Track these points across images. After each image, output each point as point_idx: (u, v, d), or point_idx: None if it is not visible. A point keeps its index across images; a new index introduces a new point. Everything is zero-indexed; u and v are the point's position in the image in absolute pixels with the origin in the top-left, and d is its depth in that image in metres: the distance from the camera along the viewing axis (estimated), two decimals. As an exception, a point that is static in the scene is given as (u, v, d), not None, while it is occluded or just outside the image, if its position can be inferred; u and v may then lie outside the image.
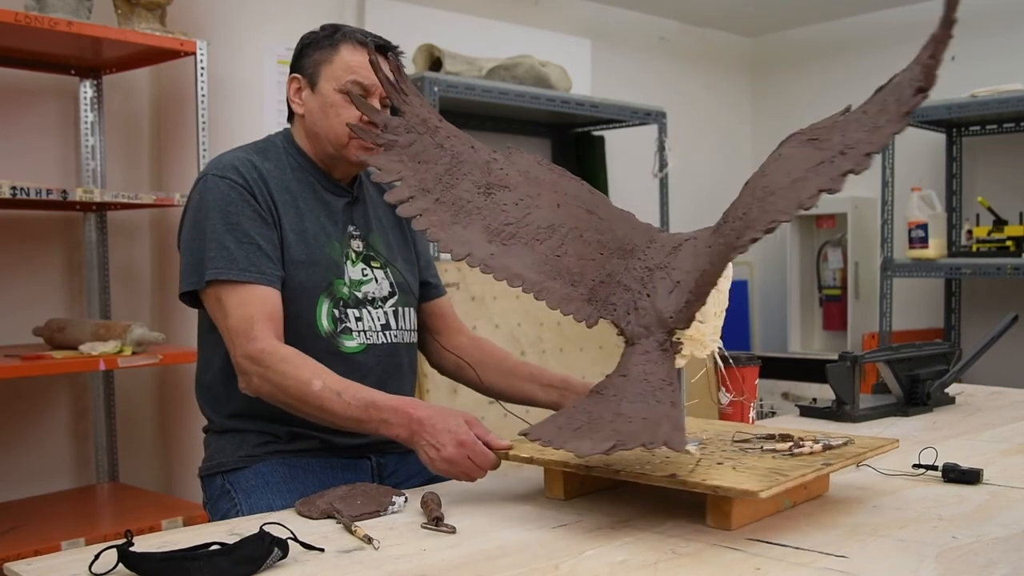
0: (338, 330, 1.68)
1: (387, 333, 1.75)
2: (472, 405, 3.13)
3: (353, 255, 1.74)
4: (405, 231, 1.89)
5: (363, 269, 1.75)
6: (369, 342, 1.71)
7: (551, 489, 1.41)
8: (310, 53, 1.74)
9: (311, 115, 1.73)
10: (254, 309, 1.58)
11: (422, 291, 1.89)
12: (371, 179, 1.78)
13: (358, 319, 1.71)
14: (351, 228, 1.76)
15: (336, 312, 1.69)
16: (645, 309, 1.39)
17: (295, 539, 1.14)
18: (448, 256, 3.45)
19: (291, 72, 1.77)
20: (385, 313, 1.75)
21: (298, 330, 1.64)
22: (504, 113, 4.18)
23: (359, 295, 1.72)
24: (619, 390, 1.32)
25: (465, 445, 1.40)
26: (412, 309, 1.82)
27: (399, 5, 3.99)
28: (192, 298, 1.67)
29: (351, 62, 1.70)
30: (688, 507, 1.34)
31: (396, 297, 1.78)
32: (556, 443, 1.26)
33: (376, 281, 1.75)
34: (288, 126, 1.81)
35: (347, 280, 1.71)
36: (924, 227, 4.23)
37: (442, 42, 3.75)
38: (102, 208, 3.13)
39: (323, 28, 1.76)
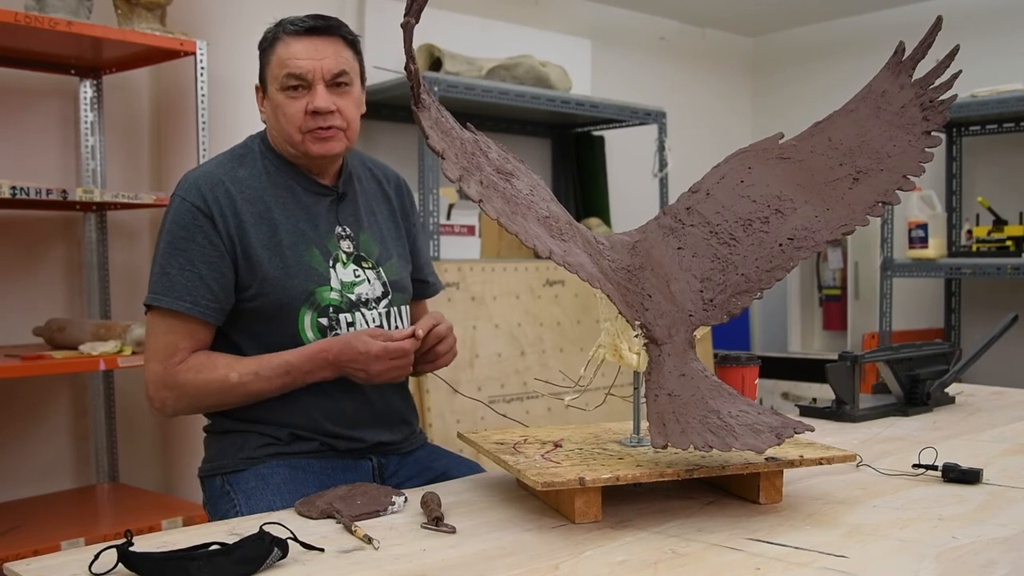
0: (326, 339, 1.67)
1: None
2: (471, 406, 3.14)
3: (344, 256, 1.72)
4: (400, 225, 1.86)
5: (355, 270, 1.73)
6: None
7: (583, 514, 1.27)
8: (261, 59, 1.72)
9: (269, 121, 1.73)
10: (180, 339, 1.62)
11: (415, 288, 1.88)
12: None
13: (350, 324, 1.69)
14: (339, 229, 1.74)
15: (324, 320, 1.67)
16: (658, 309, 1.39)
17: (295, 539, 1.14)
18: (447, 256, 3.48)
19: None
20: (379, 315, 1.74)
21: (279, 346, 1.65)
22: (504, 113, 4.18)
23: (352, 297, 1.71)
24: (693, 390, 1.31)
25: (381, 356, 1.58)
26: (406, 307, 1.82)
27: (399, 5, 3.98)
28: None
29: (283, 56, 1.67)
30: (688, 507, 1.34)
31: (389, 297, 1.77)
32: (704, 446, 1.20)
33: (369, 282, 1.74)
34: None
35: (335, 284, 1.69)
36: (924, 227, 4.23)
37: (442, 42, 3.75)
38: (102, 208, 3.13)
39: (269, 27, 1.72)
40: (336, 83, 1.68)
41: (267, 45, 1.70)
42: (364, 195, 1.81)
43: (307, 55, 1.66)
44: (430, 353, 1.70)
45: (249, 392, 1.62)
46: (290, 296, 1.65)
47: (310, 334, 1.66)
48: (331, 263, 1.70)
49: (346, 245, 1.73)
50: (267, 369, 1.61)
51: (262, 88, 1.73)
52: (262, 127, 1.80)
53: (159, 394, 1.63)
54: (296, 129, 1.67)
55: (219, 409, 1.69)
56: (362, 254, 1.75)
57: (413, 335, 1.63)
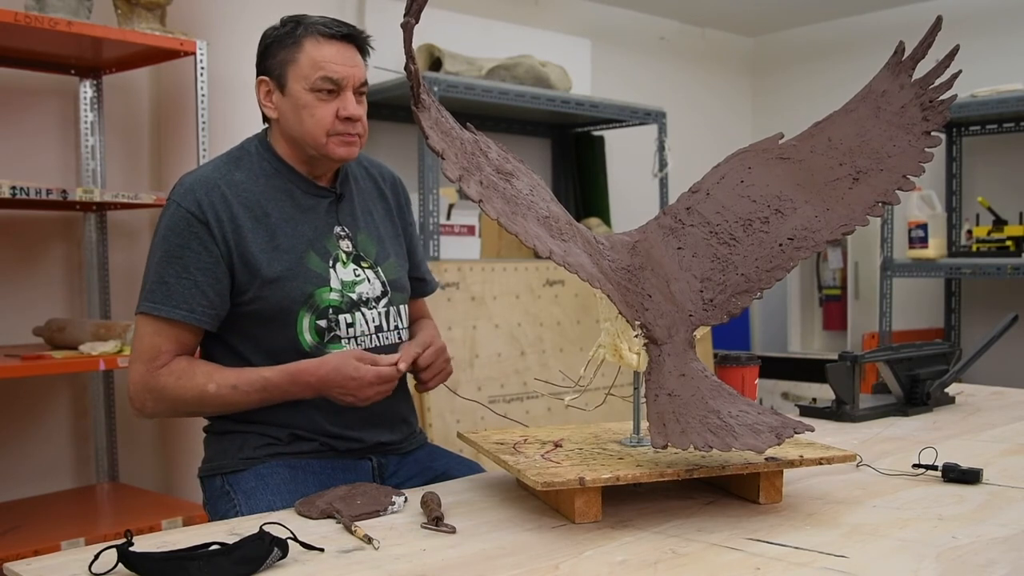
0: (325, 341, 1.67)
1: (380, 335, 1.74)
2: (471, 406, 3.14)
3: (343, 256, 1.72)
4: (396, 224, 1.87)
5: (355, 270, 1.73)
6: (360, 348, 1.70)
7: (583, 514, 1.27)
8: (274, 53, 1.69)
9: (285, 119, 1.70)
10: (164, 341, 1.62)
11: (412, 287, 1.88)
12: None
13: (349, 325, 1.69)
14: (337, 229, 1.74)
15: (322, 323, 1.67)
16: (658, 309, 1.39)
17: (295, 539, 1.14)
18: (447, 256, 3.48)
19: (257, 74, 1.72)
20: (379, 314, 1.74)
21: (277, 348, 1.65)
22: (504, 113, 4.18)
23: (353, 296, 1.71)
24: (693, 390, 1.31)
25: (374, 383, 1.60)
26: (404, 306, 1.82)
27: (399, 5, 3.98)
28: None
29: (317, 57, 1.65)
30: (688, 507, 1.34)
31: (388, 296, 1.77)
32: (704, 446, 1.20)
33: (368, 281, 1.74)
34: (266, 126, 1.77)
35: (336, 284, 1.69)
36: (924, 227, 4.23)
37: (442, 42, 3.75)
38: (102, 208, 3.13)
39: (283, 23, 1.70)
40: (360, 92, 1.70)
41: (291, 41, 1.67)
42: (361, 195, 1.82)
43: (342, 61, 1.67)
44: (417, 376, 1.75)
45: (226, 403, 1.62)
46: (289, 299, 1.65)
47: (308, 336, 1.66)
48: (331, 263, 1.70)
49: (345, 245, 1.74)
50: (245, 384, 1.61)
51: (277, 83, 1.69)
52: (261, 127, 1.79)
53: (140, 396, 1.63)
54: (324, 132, 1.66)
55: (197, 416, 1.71)
56: (360, 254, 1.75)
57: (395, 365, 1.64)
